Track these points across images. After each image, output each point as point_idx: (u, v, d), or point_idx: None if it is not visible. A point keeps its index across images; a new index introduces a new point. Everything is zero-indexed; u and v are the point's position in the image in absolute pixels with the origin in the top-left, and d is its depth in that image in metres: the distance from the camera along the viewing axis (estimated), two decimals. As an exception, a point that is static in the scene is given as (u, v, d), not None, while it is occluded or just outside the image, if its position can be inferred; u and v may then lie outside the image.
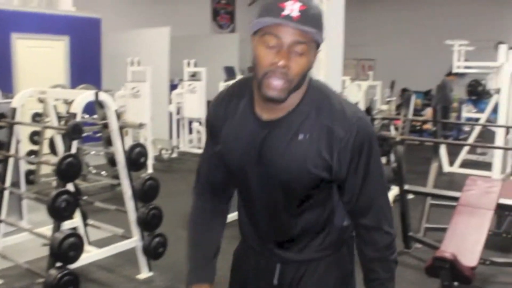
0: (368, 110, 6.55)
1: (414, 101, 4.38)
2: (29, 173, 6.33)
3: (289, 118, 1.48)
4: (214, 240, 1.74)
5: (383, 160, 5.88)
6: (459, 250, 3.34)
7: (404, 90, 11.59)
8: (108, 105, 3.69)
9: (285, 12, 1.35)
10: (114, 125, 3.72)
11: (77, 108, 3.52)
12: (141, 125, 4.45)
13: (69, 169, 3.35)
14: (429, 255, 4.29)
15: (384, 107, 6.99)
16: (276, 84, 1.38)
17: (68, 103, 6.32)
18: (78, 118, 3.50)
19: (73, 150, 3.48)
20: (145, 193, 3.70)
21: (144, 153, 3.72)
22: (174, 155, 8.51)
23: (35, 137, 6.64)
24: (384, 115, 6.04)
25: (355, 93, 7.86)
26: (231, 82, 1.66)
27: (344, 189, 1.54)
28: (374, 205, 1.55)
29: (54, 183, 6.10)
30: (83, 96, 3.58)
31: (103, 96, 3.65)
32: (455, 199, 4.10)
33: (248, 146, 1.52)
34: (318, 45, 1.43)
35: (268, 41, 1.38)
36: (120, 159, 3.76)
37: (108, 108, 3.71)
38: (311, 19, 1.36)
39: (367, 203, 1.55)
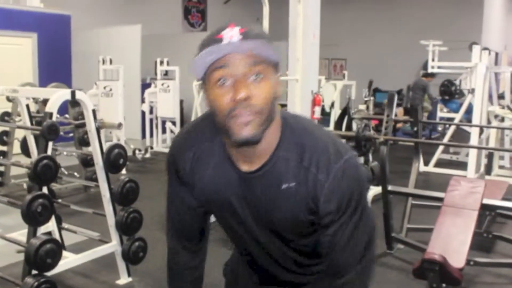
0: (346, 110, 6.52)
1: (396, 101, 4.33)
2: (-3, 175, 6.13)
3: (270, 167, 1.33)
4: (195, 281, 1.66)
5: (361, 160, 5.85)
6: (446, 251, 3.31)
7: (375, 90, 11.65)
8: (85, 104, 3.54)
9: (225, 42, 1.20)
10: (91, 125, 3.57)
11: (53, 107, 3.36)
12: (120, 125, 4.31)
13: (45, 172, 3.19)
14: (412, 255, 4.29)
15: (362, 106, 6.98)
16: (244, 120, 1.22)
17: (40, 102, 6.15)
18: (54, 118, 3.35)
19: (49, 152, 3.33)
20: (125, 196, 3.56)
21: (123, 155, 3.58)
22: (148, 155, 8.34)
23: (4, 138, 6.43)
24: (362, 115, 6.02)
25: (330, 93, 7.84)
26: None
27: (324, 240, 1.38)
28: (352, 268, 1.40)
29: (25, 185, 5.92)
30: (59, 94, 3.42)
31: (80, 95, 3.50)
32: (438, 199, 4.09)
33: (230, 199, 1.40)
34: (275, 65, 1.28)
35: (217, 78, 1.23)
36: (98, 160, 3.61)
37: (85, 107, 3.56)
38: (255, 37, 1.22)
39: (345, 261, 1.40)
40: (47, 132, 3.26)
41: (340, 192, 1.29)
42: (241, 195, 1.38)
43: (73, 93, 3.46)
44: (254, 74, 1.22)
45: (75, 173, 6.46)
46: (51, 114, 3.33)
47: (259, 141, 1.27)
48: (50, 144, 3.34)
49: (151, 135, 8.93)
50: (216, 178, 1.39)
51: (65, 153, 6.29)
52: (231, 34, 1.20)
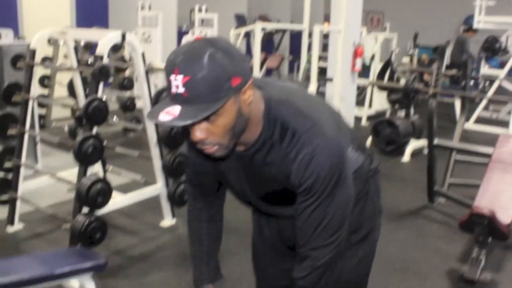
0: (388, 63, 6.39)
1: (448, 54, 4.23)
2: (39, 117, 6.20)
3: (257, 148, 1.41)
4: (212, 238, 1.74)
5: (402, 113, 5.79)
6: (493, 206, 3.28)
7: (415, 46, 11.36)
8: (135, 47, 3.54)
9: (173, 90, 1.20)
10: (140, 68, 3.57)
11: (104, 49, 3.36)
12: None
13: (96, 113, 3.23)
14: (453, 209, 4.28)
15: (406, 59, 6.81)
16: (209, 152, 1.32)
17: (82, 47, 6.16)
18: (105, 60, 3.35)
19: (100, 93, 3.35)
20: (172, 139, 3.58)
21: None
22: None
23: (44, 81, 6.50)
24: (405, 69, 5.90)
25: (371, 46, 7.67)
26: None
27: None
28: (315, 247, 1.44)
29: (66, 128, 6.00)
30: (110, 37, 3.41)
31: (129, 38, 3.49)
32: (485, 155, 4.03)
33: (229, 170, 1.53)
34: (235, 90, 1.23)
35: None
36: (146, 104, 3.63)
37: (135, 50, 3.55)
38: (199, 87, 1.18)
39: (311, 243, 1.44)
40: (99, 73, 3.27)
41: (308, 172, 1.33)
42: (236, 167, 1.49)
43: (123, 36, 3.45)
44: (203, 123, 1.24)
45: (114, 118, 6.51)
46: (102, 57, 3.34)
47: (230, 153, 1.36)
48: (101, 86, 3.35)
49: (188, 83, 8.88)
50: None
51: (104, 97, 6.34)
52: (176, 84, 1.19)
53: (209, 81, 1.18)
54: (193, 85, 1.18)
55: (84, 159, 3.20)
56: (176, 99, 1.20)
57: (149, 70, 3.64)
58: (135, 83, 6.51)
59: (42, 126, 6.32)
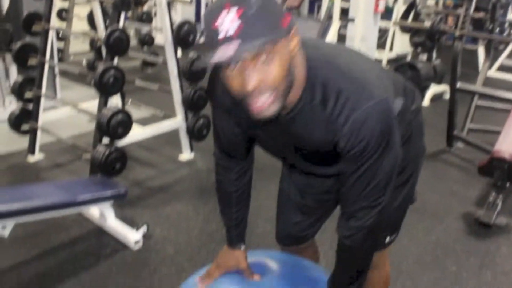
0: (412, 5, 6.23)
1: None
2: (57, 51, 6.18)
3: (297, 112, 1.30)
4: (242, 204, 1.68)
5: (424, 57, 5.69)
6: (514, 151, 3.24)
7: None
8: (157, -23, 3.46)
9: (221, 35, 1.08)
10: (162, 0, 3.51)
11: (125, -22, 3.29)
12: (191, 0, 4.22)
13: (117, 44, 3.20)
14: (471, 154, 4.26)
15: (431, 1, 6.63)
16: (259, 106, 1.18)
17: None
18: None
19: (121, 24, 3.30)
20: (193, 73, 3.56)
21: (193, 31, 3.54)
22: (202, 39, 8.27)
23: (62, 14, 6.44)
24: (430, 11, 5.75)
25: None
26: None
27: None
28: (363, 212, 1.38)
29: (84, 62, 5.99)
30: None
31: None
32: (507, 100, 3.98)
33: (265, 132, 1.43)
34: (288, 30, 1.16)
35: (224, 69, 1.16)
36: (167, 36, 3.58)
37: (156, -20, 3.48)
38: (253, 24, 1.08)
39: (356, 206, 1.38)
40: (120, 3, 3.22)
41: (358, 139, 1.25)
42: (274, 132, 1.39)
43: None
44: (260, 60, 1.12)
45: (132, 53, 6.47)
46: (123, -15, 3.27)
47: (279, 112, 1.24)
48: (122, 16, 3.31)
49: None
50: (250, 117, 1.33)
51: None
52: (226, 27, 1.07)
53: (265, 14, 1.10)
54: (248, 18, 1.08)
55: (105, 90, 3.20)
56: (229, 38, 1.08)
57: (170, 2, 3.57)
58: (154, 17, 6.43)
59: (60, 60, 6.31)
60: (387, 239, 1.73)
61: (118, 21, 3.28)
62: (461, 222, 3.27)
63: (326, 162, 1.45)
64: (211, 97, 1.48)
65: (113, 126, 3.15)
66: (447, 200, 3.55)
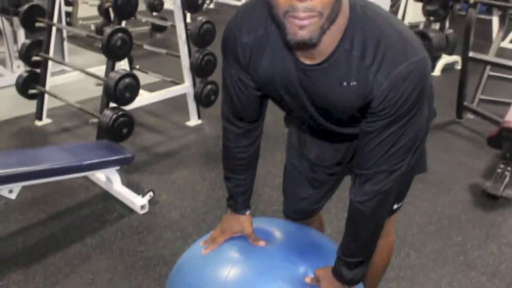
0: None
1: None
2: (65, 15, 6.12)
3: (331, 63, 1.21)
4: (250, 171, 1.63)
5: (437, 26, 5.59)
6: (524, 122, 3.20)
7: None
8: None
9: None
10: (170, -38, 3.45)
11: None
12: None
13: (126, 5, 3.16)
14: (481, 126, 4.21)
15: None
16: (301, 23, 1.08)
17: None
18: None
19: (129, -14, 3.25)
20: (201, 37, 3.51)
21: (201, -5, 3.49)
22: (212, 6, 8.19)
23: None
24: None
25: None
26: None
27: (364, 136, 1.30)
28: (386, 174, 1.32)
29: (92, 27, 5.95)
30: None
31: None
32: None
33: (288, 87, 1.32)
34: None
35: None
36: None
37: None
38: None
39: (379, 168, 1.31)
40: (128, -35, 3.16)
41: (396, 96, 1.17)
42: (299, 83, 1.30)
43: None
44: None
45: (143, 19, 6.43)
46: None
47: (316, 44, 1.14)
48: (131, -23, 3.25)
49: (216, -14, 8.72)
50: (274, 67, 1.30)
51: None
52: None
53: None
54: None
55: (112, 53, 3.17)
56: None
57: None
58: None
59: (68, 24, 6.26)
60: (395, 206, 1.70)
61: (125, -16, 3.23)
62: (468, 193, 3.25)
63: (349, 120, 1.37)
64: (228, 51, 1.37)
65: (120, 89, 3.12)
66: (454, 171, 3.52)
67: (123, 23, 3.25)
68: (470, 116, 4.42)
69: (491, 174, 3.35)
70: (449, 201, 3.15)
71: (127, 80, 3.14)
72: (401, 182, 1.45)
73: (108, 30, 3.12)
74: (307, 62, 1.24)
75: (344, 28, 1.17)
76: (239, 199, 1.64)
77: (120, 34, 3.12)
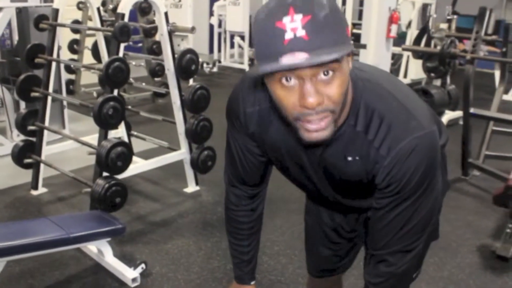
0: (425, 29, 6.14)
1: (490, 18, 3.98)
2: (68, 82, 6.19)
3: (337, 138, 1.18)
4: (254, 237, 1.59)
5: (438, 83, 5.55)
6: (531, 179, 3.09)
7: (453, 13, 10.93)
8: (157, 6, 3.42)
9: (288, 36, 0.96)
10: (163, 28, 3.46)
11: (125, 8, 3.26)
12: (193, 29, 4.15)
13: (117, 74, 3.14)
14: (488, 183, 4.09)
15: (444, 25, 6.53)
16: (315, 128, 1.06)
17: (109, 9, 6.11)
18: (126, 20, 3.25)
19: (121, 54, 3.26)
20: (195, 103, 3.48)
21: (195, 61, 3.47)
22: (215, 69, 8.26)
23: (74, 46, 6.45)
24: (442, 35, 5.64)
25: (408, 11, 7.39)
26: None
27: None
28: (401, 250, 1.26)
29: (95, 94, 5.98)
30: (131, -4, 3.30)
31: (152, -3, 3.37)
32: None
33: (294, 159, 1.31)
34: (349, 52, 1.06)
35: (283, 83, 1.03)
36: (170, 66, 3.52)
37: (157, 10, 3.44)
38: (323, 29, 0.97)
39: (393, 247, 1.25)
40: (119, 33, 3.17)
41: (400, 172, 1.13)
42: (305, 156, 1.27)
43: (145, -5, 3.33)
44: (323, 71, 1.01)
45: (143, 84, 6.48)
46: (123, 15, 3.24)
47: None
48: (122, 46, 3.26)
49: (219, 50, 8.83)
50: (280, 138, 1.27)
51: (133, 63, 6.27)
52: (294, 26, 0.96)
53: (333, 21, 0.99)
54: (316, 26, 0.96)
55: (104, 122, 3.13)
56: (295, 45, 0.96)
57: (172, 31, 3.52)
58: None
59: (71, 92, 6.32)
60: (414, 275, 1.57)
61: (118, 51, 3.23)
62: (476, 255, 3.11)
63: (358, 194, 1.32)
64: (233, 119, 1.35)
65: (112, 158, 3.06)
66: (461, 232, 3.38)
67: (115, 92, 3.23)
68: (476, 173, 4.31)
69: (500, 234, 3.21)
70: (457, 264, 3.00)
71: (119, 148, 3.08)
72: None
73: (99, 99, 3.10)
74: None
75: (349, 106, 1.15)
76: (244, 269, 1.58)
77: (111, 103, 3.09)
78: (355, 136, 1.16)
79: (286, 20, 0.97)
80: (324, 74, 1.01)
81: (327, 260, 1.77)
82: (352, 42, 1.06)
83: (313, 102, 1.01)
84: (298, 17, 0.96)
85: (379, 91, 1.16)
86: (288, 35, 0.97)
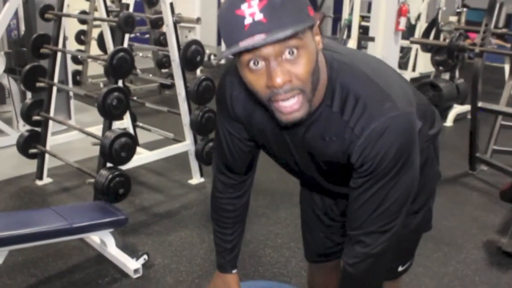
0: (434, 22, 6.07)
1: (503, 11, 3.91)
2: (75, 73, 6.19)
3: (315, 119, 1.21)
4: (238, 226, 1.61)
5: (447, 76, 5.49)
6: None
7: (463, 6, 10.81)
8: (163, -3, 3.40)
9: (247, 21, 1.00)
10: (169, 19, 3.44)
11: (130, -2, 3.24)
12: (198, 20, 4.11)
13: (121, 64, 3.12)
14: (495, 178, 4.05)
15: (453, 18, 6.44)
16: (288, 106, 1.09)
17: (117, 1, 6.08)
18: (131, 10, 3.23)
19: (125, 45, 3.24)
20: (200, 95, 3.46)
21: (200, 52, 3.45)
22: (223, 61, 8.23)
23: (81, 37, 6.45)
24: (451, 28, 5.57)
25: (418, 4, 7.31)
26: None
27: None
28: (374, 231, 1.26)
29: (101, 84, 5.97)
30: (137, -15, 3.28)
31: (158, -12, 3.34)
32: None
33: (277, 141, 1.34)
34: (311, 25, 1.07)
35: (247, 60, 1.06)
36: (175, 57, 3.50)
37: (163, 1, 3.41)
38: (281, 10, 1.00)
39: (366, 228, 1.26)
40: (124, 23, 3.15)
41: (373, 152, 1.14)
42: (289, 139, 1.30)
43: (151, -16, 3.31)
44: (287, 51, 1.04)
45: (150, 75, 6.46)
46: (127, 6, 3.22)
47: (308, 116, 1.15)
48: (127, 36, 3.24)
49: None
50: (265, 121, 1.30)
51: (140, 54, 6.27)
52: (252, 11, 1.00)
53: (290, 2, 1.02)
54: (273, 8, 1.00)
55: (108, 112, 3.11)
56: (255, 28, 1.00)
57: (177, 22, 3.49)
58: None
59: (78, 83, 6.32)
60: (400, 268, 1.60)
61: (122, 41, 3.21)
62: (482, 251, 3.07)
63: (344, 179, 1.31)
64: (221, 103, 1.39)
65: (115, 149, 3.06)
66: (467, 227, 3.35)
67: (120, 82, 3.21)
68: (483, 167, 4.26)
69: (507, 230, 3.17)
70: (462, 260, 2.97)
71: (123, 139, 3.07)
72: (404, 243, 1.40)
73: (103, 89, 3.08)
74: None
75: (325, 87, 1.17)
76: (226, 257, 1.60)
77: (116, 93, 3.08)
78: (332, 116, 1.18)
79: (244, 6, 1.00)
80: (290, 54, 1.04)
81: (321, 244, 1.78)
82: (318, 19, 1.07)
83: (280, 82, 1.04)
84: (255, 2, 1.00)
85: (355, 73, 1.17)
86: (247, 21, 1.01)
